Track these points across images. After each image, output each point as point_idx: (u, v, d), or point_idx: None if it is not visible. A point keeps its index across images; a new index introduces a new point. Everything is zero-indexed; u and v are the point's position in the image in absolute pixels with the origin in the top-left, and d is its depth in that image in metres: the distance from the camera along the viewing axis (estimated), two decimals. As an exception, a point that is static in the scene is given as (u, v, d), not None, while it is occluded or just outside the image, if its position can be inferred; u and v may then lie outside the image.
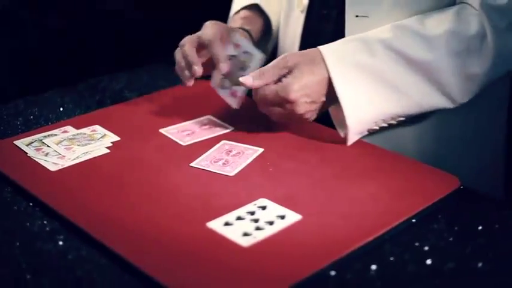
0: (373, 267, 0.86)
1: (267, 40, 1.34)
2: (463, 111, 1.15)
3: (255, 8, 1.32)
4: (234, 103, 1.16)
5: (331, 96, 1.08)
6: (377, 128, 1.12)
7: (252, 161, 1.07)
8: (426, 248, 0.89)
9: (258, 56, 1.15)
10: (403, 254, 0.88)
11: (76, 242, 0.90)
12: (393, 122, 1.13)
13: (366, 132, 1.13)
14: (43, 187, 1.00)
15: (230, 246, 0.88)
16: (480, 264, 0.86)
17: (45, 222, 0.94)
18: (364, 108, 1.08)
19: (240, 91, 1.16)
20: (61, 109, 1.27)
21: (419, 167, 1.06)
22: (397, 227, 0.93)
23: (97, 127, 1.18)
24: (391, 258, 0.87)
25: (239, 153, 1.09)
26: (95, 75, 1.40)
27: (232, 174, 1.04)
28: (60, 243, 0.90)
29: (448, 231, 0.93)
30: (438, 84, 1.09)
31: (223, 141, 1.13)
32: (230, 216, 0.93)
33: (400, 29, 1.09)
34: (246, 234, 0.90)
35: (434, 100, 1.10)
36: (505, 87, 1.24)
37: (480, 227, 0.93)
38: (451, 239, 0.91)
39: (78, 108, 1.27)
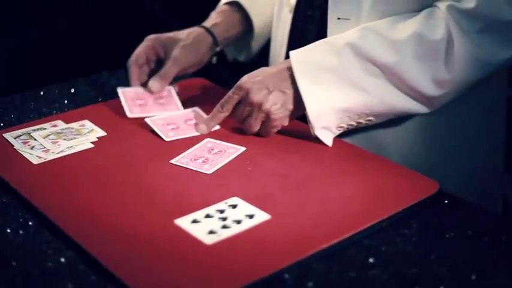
0: (335, 269, 0.85)
1: (248, 39, 1.35)
2: (451, 115, 1.14)
3: (237, 4, 1.33)
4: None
5: (296, 91, 1.09)
6: (345, 126, 1.11)
7: (232, 160, 1.07)
8: (391, 253, 0.88)
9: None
10: (367, 257, 0.87)
11: (47, 235, 0.91)
12: (362, 121, 1.12)
13: (336, 131, 1.11)
14: (22, 179, 1.02)
15: (193, 244, 0.88)
16: (444, 270, 0.85)
17: (19, 213, 0.95)
18: (325, 101, 1.08)
19: None
20: (56, 104, 1.28)
21: (399, 170, 1.05)
22: (367, 229, 0.92)
23: (86, 122, 1.19)
24: (355, 262, 0.86)
25: (221, 151, 1.09)
26: (95, 71, 1.41)
27: (209, 172, 1.04)
28: (31, 234, 0.91)
29: (417, 236, 0.91)
30: (405, 88, 1.08)
31: (207, 139, 1.13)
32: (199, 214, 0.94)
33: (368, 32, 1.08)
34: (211, 232, 0.90)
35: (402, 103, 1.10)
36: (497, 91, 1.22)
37: (452, 234, 0.92)
38: (418, 244, 0.90)
39: (73, 104, 1.29)
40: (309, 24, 1.20)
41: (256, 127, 1.12)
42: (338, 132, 1.12)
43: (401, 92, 1.08)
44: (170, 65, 1.24)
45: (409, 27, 1.07)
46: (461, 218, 0.95)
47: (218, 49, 1.32)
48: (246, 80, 1.11)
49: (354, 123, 1.11)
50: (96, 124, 1.18)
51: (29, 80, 1.56)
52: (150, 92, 1.23)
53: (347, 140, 1.14)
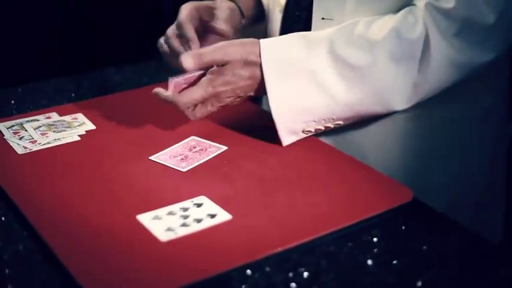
0: (284, 273, 0.84)
1: (260, 19, 1.34)
2: (436, 121, 1.11)
3: None
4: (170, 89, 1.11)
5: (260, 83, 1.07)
6: (312, 130, 1.10)
7: (211, 159, 1.07)
8: (347, 261, 0.86)
9: None
10: (319, 263, 0.86)
11: (16, 224, 0.93)
12: (329, 125, 1.10)
13: (302, 134, 1.10)
14: (3, 168, 1.04)
15: (148, 240, 0.88)
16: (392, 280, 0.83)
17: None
18: (290, 104, 1.06)
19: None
20: (59, 97, 1.31)
21: (374, 176, 1.03)
22: (327, 235, 0.90)
23: (79, 115, 1.21)
24: (308, 267, 0.85)
25: (202, 150, 1.09)
26: (102, 66, 1.44)
27: (184, 170, 1.04)
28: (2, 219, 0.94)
29: (378, 246, 0.89)
30: (375, 90, 1.06)
31: (192, 137, 1.13)
32: (162, 211, 0.94)
33: (344, 31, 1.07)
34: (169, 230, 0.90)
35: (371, 108, 1.08)
36: (491, 97, 1.18)
37: (414, 245, 0.89)
38: (378, 254, 0.87)
39: (77, 97, 1.31)
40: (296, 25, 1.19)
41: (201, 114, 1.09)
42: (304, 136, 1.10)
43: (370, 96, 1.06)
44: (221, 23, 1.21)
45: (386, 25, 1.05)
46: (429, 230, 0.93)
47: (244, 22, 1.28)
48: (223, 74, 1.06)
49: (322, 128, 1.10)
50: (89, 118, 1.20)
51: (36, 72, 1.59)
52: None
53: (329, 142, 1.12)
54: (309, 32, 1.11)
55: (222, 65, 1.06)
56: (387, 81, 1.05)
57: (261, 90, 1.08)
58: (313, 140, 1.12)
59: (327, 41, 1.06)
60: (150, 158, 1.07)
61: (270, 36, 1.27)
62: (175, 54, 1.14)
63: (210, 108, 1.08)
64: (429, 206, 0.97)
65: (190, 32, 1.15)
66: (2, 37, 2.14)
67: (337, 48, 1.05)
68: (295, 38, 1.08)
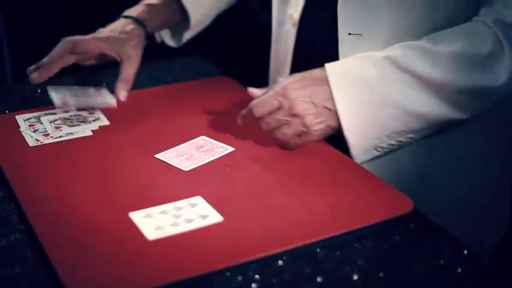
0: (273, 280, 0.83)
1: (181, 28, 1.35)
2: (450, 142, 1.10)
3: None
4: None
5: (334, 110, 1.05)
6: (385, 145, 1.08)
7: (215, 160, 1.07)
8: (335, 271, 0.84)
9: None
10: (303, 271, 0.84)
11: (15, 216, 0.95)
12: (401, 139, 1.07)
13: (376, 152, 1.08)
14: (12, 159, 1.06)
15: (136, 238, 0.88)
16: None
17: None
18: (361, 120, 1.04)
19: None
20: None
21: (377, 184, 1.01)
22: (317, 243, 0.88)
23: (96, 110, 1.22)
24: (285, 275, 0.84)
25: (209, 150, 1.09)
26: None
27: (186, 169, 1.04)
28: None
29: (366, 256, 0.87)
30: (448, 101, 1.04)
31: (201, 137, 1.13)
32: (155, 209, 0.94)
33: (409, 47, 1.04)
34: (158, 228, 0.90)
35: (444, 117, 1.06)
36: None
37: (404, 259, 0.87)
38: (362, 265, 0.85)
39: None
40: (316, 39, 1.16)
41: (291, 139, 1.06)
42: (378, 153, 1.09)
43: (443, 106, 1.04)
44: (130, 66, 1.22)
45: (452, 41, 1.03)
46: (424, 244, 0.90)
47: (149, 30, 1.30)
48: (289, 87, 1.04)
49: (394, 142, 1.08)
50: (105, 113, 1.21)
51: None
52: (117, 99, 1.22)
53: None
54: (367, 53, 1.07)
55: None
56: (458, 93, 1.03)
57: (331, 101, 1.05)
58: (322, 144, 1.10)
59: (394, 57, 1.03)
60: (155, 155, 1.07)
61: (278, 51, 1.24)
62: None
63: (290, 127, 1.05)
64: (429, 219, 0.94)
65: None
66: (30, 30, 2.18)
67: (406, 64, 1.02)
68: (357, 58, 1.06)
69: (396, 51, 1.04)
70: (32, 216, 0.92)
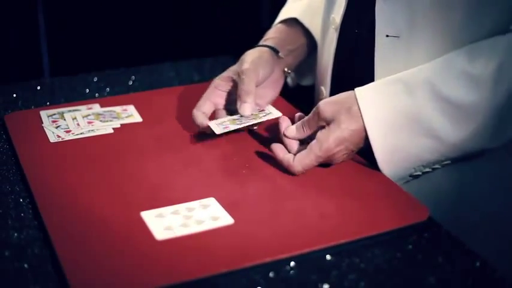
0: (279, 285, 0.82)
1: (310, 61, 1.29)
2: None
3: (295, 21, 1.27)
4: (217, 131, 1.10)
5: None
6: (420, 173, 1.06)
7: (230, 159, 1.07)
8: (334, 278, 0.83)
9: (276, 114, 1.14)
10: (307, 278, 0.83)
11: (30, 211, 0.95)
12: (437, 166, 1.05)
13: (409, 178, 1.07)
14: (31, 154, 1.07)
15: (144, 237, 0.88)
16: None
17: (14, 185, 1.01)
18: (397, 153, 1.02)
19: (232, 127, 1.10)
20: (108, 89, 1.34)
21: (392, 190, 1.00)
22: (325, 249, 0.87)
23: (130, 107, 1.23)
24: (290, 280, 0.83)
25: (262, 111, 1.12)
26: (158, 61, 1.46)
27: (217, 132, 1.07)
28: (13, 208, 0.96)
29: (375, 265, 0.85)
30: (481, 127, 1.00)
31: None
32: (167, 209, 0.94)
33: (444, 67, 1.01)
34: (167, 229, 0.90)
35: (478, 146, 1.03)
36: None
37: (414, 269, 0.85)
38: (371, 274, 0.84)
39: (126, 90, 1.34)
40: (356, 43, 1.13)
41: (309, 168, 1.04)
42: (411, 179, 1.07)
43: (478, 134, 1.00)
44: (244, 79, 1.13)
45: (492, 60, 0.98)
46: (436, 255, 0.88)
47: (281, 55, 1.21)
48: (331, 148, 1.01)
49: (429, 170, 1.06)
50: (139, 110, 1.22)
51: (92, 62, 1.64)
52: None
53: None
54: (402, 74, 1.04)
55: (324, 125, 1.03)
56: (495, 118, 1.00)
57: (366, 139, 1.02)
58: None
59: (427, 82, 1.00)
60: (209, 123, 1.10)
61: (322, 57, 1.21)
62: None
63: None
64: (444, 229, 0.92)
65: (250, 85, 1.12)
66: (68, 26, 2.21)
67: (439, 90, 0.99)
68: (391, 83, 1.03)
69: (434, 75, 1.01)
70: (44, 211, 0.93)
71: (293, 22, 1.27)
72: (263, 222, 0.92)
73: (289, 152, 1.05)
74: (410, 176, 1.06)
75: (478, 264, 0.85)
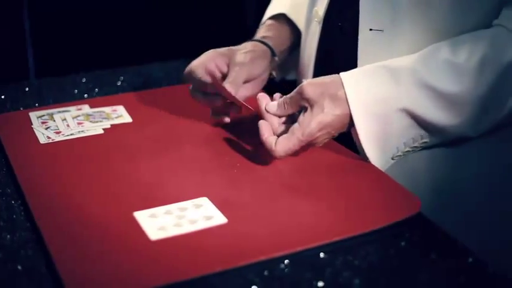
0: (274, 284, 0.82)
1: (296, 55, 1.29)
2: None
3: (283, 17, 1.28)
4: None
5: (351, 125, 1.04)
6: (401, 154, 1.06)
7: (221, 159, 1.07)
8: (329, 275, 0.83)
9: None
10: (301, 276, 0.83)
11: (22, 214, 0.95)
12: (417, 144, 1.06)
13: (391, 160, 1.07)
14: (21, 155, 1.07)
15: (138, 237, 0.88)
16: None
17: (8, 189, 1.01)
18: (381, 136, 1.03)
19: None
20: (97, 90, 1.33)
21: (384, 183, 1.00)
22: (319, 247, 0.88)
23: (119, 107, 1.23)
24: (284, 279, 0.83)
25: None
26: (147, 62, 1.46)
27: None
28: (4, 207, 0.96)
29: (368, 262, 0.86)
30: (467, 115, 1.02)
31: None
32: (160, 209, 0.94)
33: (431, 59, 1.02)
34: (161, 229, 0.90)
35: (459, 131, 1.04)
36: None
37: (408, 265, 0.85)
38: (365, 271, 0.84)
39: (115, 91, 1.33)
40: (339, 36, 1.14)
41: (291, 152, 1.03)
42: (393, 162, 1.07)
43: (459, 120, 1.02)
44: (237, 70, 1.14)
45: (475, 52, 1.00)
46: (430, 249, 0.88)
47: (277, 59, 1.23)
48: (315, 131, 1.01)
49: (410, 149, 1.06)
50: (128, 111, 1.22)
51: (79, 63, 1.63)
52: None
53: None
54: (388, 61, 1.05)
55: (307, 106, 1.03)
56: (477, 106, 1.01)
57: (349, 124, 1.03)
58: (331, 143, 1.09)
59: (411, 69, 1.01)
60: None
61: (305, 50, 1.22)
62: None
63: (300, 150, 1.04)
64: (435, 225, 0.93)
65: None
66: (53, 27, 2.21)
67: (423, 77, 1.00)
68: (376, 69, 1.03)
69: (418, 63, 1.02)
70: (36, 213, 0.92)
71: (282, 18, 1.28)
72: (256, 221, 0.92)
73: (274, 134, 1.04)
74: (393, 158, 1.06)
75: (470, 260, 0.86)
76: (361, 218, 0.93)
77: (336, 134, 1.05)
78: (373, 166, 1.04)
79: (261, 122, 1.04)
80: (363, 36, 1.09)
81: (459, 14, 1.03)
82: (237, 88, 1.13)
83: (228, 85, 1.11)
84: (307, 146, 1.03)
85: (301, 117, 1.03)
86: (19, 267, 0.84)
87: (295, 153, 1.03)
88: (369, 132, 1.03)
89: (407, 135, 1.04)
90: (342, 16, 1.13)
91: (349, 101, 1.01)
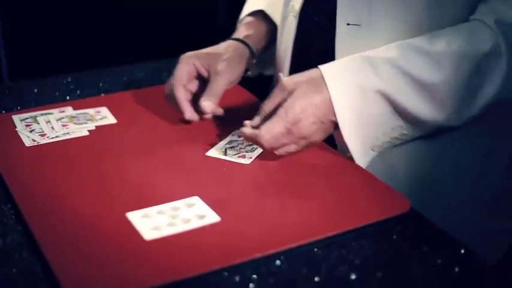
0: (271, 280, 0.83)
1: (273, 50, 1.30)
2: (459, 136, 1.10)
3: (261, 13, 1.29)
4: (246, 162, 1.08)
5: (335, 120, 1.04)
6: (380, 144, 1.07)
7: (209, 157, 1.08)
8: (325, 270, 0.84)
9: None
10: (298, 272, 0.84)
11: (12, 216, 0.95)
12: (396, 135, 1.07)
13: (372, 151, 1.08)
14: (8, 159, 1.06)
15: (133, 238, 0.88)
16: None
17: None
18: (363, 127, 1.04)
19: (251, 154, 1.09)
20: (78, 91, 1.33)
21: (373, 184, 1.01)
22: (314, 243, 0.88)
23: (103, 109, 1.23)
24: (281, 276, 0.84)
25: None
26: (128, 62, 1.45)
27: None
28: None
29: (362, 256, 0.87)
30: (444, 105, 1.04)
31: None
32: (152, 209, 0.94)
33: (408, 48, 1.03)
34: (155, 228, 0.90)
35: (439, 120, 1.05)
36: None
37: (402, 259, 0.87)
38: (360, 265, 0.85)
39: (97, 92, 1.33)
40: (316, 31, 1.15)
41: (293, 153, 1.05)
42: (375, 154, 1.08)
43: (439, 109, 1.04)
44: (218, 80, 1.15)
45: (452, 42, 1.02)
46: (421, 244, 0.89)
47: (255, 61, 1.26)
48: (296, 109, 1.01)
49: (389, 139, 1.07)
50: (112, 112, 1.22)
51: (58, 65, 1.62)
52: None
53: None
54: (366, 52, 1.05)
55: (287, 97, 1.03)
56: (456, 96, 1.03)
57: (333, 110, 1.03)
58: (319, 144, 1.10)
59: (389, 58, 1.02)
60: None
61: (281, 45, 1.23)
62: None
63: (296, 146, 1.04)
64: (426, 218, 0.94)
65: (181, 99, 1.15)
66: (26, 29, 2.19)
67: (401, 64, 1.02)
68: (355, 59, 1.04)
69: (395, 52, 1.03)
70: (28, 216, 0.92)
71: (260, 14, 1.29)
72: (249, 219, 0.93)
73: None
74: (372, 149, 1.07)
75: (462, 251, 0.88)
76: (351, 214, 0.94)
77: (326, 121, 1.03)
78: (363, 169, 1.05)
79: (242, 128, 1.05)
80: (340, 31, 1.10)
81: (436, 9, 1.05)
82: (217, 99, 1.15)
83: (205, 100, 1.14)
84: (298, 139, 1.03)
85: (284, 103, 1.03)
86: (14, 271, 0.84)
87: (284, 145, 1.03)
88: (348, 117, 1.02)
89: (387, 124, 1.05)
90: (319, 11, 1.15)
91: (327, 85, 1.02)
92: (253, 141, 1.03)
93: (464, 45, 1.02)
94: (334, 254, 0.87)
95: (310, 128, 1.03)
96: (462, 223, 1.09)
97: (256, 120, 1.06)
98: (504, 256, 1.16)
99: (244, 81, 1.27)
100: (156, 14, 2.40)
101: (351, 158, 1.06)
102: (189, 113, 1.15)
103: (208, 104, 1.14)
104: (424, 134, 1.09)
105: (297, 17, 1.17)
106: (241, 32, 1.27)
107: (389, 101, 1.03)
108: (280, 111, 1.02)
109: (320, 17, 1.13)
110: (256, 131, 1.03)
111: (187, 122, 1.17)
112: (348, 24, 1.09)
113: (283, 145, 1.03)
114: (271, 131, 1.01)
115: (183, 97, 1.16)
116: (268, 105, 1.05)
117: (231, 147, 1.09)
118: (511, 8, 1.02)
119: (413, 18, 1.06)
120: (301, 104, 1.01)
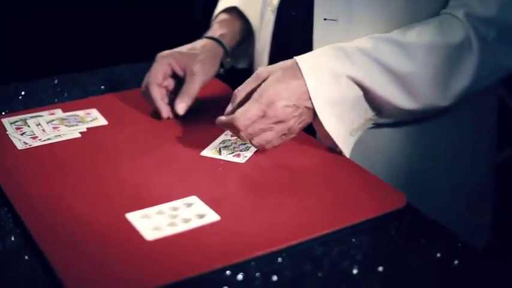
0: (274, 278, 0.83)
1: (250, 42, 1.32)
2: (437, 125, 1.12)
3: (235, 10, 1.31)
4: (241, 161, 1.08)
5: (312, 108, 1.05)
6: (355, 127, 1.08)
7: (204, 156, 1.08)
8: (327, 266, 0.85)
9: None
10: (301, 269, 0.85)
11: (9, 219, 0.94)
12: (370, 116, 1.09)
13: (351, 137, 1.08)
14: (1, 163, 1.05)
15: (134, 238, 0.88)
16: (376, 288, 0.82)
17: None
18: (338, 110, 1.05)
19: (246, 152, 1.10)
20: (66, 93, 1.32)
21: (370, 180, 1.02)
22: (314, 240, 0.89)
23: (93, 110, 1.22)
24: (285, 272, 0.84)
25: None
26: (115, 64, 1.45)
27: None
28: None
29: (363, 251, 0.88)
30: (416, 94, 1.06)
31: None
32: (152, 210, 0.94)
33: (380, 39, 1.05)
34: (156, 229, 0.90)
35: (410, 106, 1.07)
36: (487, 100, 1.17)
37: (401, 252, 0.88)
38: (362, 260, 0.86)
39: (85, 94, 1.32)
40: (293, 25, 1.16)
41: (272, 142, 1.05)
42: (354, 139, 1.08)
43: (411, 98, 1.06)
44: (193, 81, 1.19)
45: (422, 34, 1.04)
46: (419, 238, 0.91)
47: (229, 60, 1.28)
48: (271, 91, 1.01)
49: (363, 121, 1.08)
50: (102, 113, 1.21)
51: (45, 67, 1.61)
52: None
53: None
54: (339, 43, 1.06)
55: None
56: (427, 87, 1.05)
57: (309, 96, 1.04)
58: (310, 140, 1.11)
59: (361, 47, 1.04)
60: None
61: (259, 39, 1.24)
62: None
63: (273, 133, 1.04)
64: (422, 213, 0.95)
65: (157, 98, 1.19)
66: (15, 32, 2.17)
67: (377, 56, 1.03)
68: (328, 49, 1.05)
69: (367, 43, 1.05)
70: (28, 219, 0.91)
71: (233, 11, 1.31)
72: (248, 217, 0.93)
73: None
74: (351, 134, 1.08)
75: (459, 244, 0.89)
76: (349, 211, 0.95)
77: (301, 108, 1.03)
78: (359, 166, 1.05)
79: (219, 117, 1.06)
80: (317, 26, 1.12)
81: (412, 4, 1.07)
82: (191, 99, 1.19)
83: (180, 101, 1.18)
84: (274, 124, 1.02)
85: (258, 88, 1.03)
86: (15, 273, 0.83)
87: (261, 132, 1.03)
88: (323, 101, 1.03)
89: (361, 105, 1.06)
90: (296, 5, 1.16)
91: (302, 70, 1.02)
92: (230, 126, 1.03)
93: (434, 36, 1.04)
94: (335, 250, 0.88)
95: (285, 110, 1.02)
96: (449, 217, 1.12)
97: (230, 108, 1.06)
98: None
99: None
100: (143, 15, 2.40)
101: (333, 150, 1.08)
102: (165, 113, 1.19)
103: (182, 107, 1.18)
104: (400, 120, 1.11)
105: (275, 12, 1.18)
106: (215, 30, 1.29)
107: (361, 87, 1.05)
108: (255, 95, 1.02)
109: (298, 12, 1.15)
110: (231, 115, 1.03)
111: (164, 118, 1.20)
112: (325, 19, 1.10)
113: (260, 131, 1.03)
114: (245, 113, 1.01)
115: (158, 96, 1.19)
116: (241, 92, 1.05)
117: (224, 147, 1.10)
118: (480, 2, 1.04)
119: (391, 13, 1.08)
120: (275, 87, 1.02)
